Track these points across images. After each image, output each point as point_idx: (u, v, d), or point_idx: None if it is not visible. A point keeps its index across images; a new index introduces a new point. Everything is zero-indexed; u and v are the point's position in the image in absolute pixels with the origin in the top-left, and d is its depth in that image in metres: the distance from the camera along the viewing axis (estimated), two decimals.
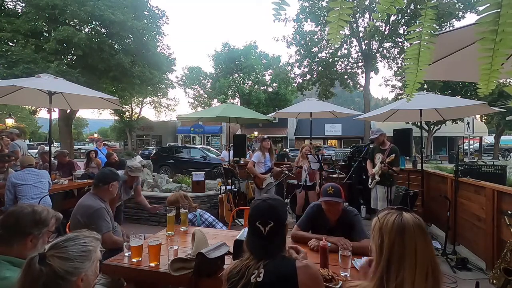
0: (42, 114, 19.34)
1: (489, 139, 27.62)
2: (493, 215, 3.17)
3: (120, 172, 3.21)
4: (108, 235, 2.28)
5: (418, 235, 0.92)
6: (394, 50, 19.38)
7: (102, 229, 2.24)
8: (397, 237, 0.92)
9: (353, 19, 18.04)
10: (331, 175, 5.25)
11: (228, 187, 5.31)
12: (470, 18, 21.06)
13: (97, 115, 34.17)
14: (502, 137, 24.89)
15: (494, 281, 2.53)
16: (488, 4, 0.80)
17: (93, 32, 14.43)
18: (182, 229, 2.41)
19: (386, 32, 18.38)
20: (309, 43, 19.97)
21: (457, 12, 15.70)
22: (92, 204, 2.32)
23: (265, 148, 4.91)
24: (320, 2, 18.65)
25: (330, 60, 20.34)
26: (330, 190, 2.15)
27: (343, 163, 6.24)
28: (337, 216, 2.19)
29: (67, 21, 13.30)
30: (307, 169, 4.75)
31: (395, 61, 19.39)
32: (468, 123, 12.40)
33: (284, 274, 1.13)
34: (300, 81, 21.99)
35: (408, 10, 16.75)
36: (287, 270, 1.15)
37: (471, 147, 19.69)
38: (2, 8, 13.10)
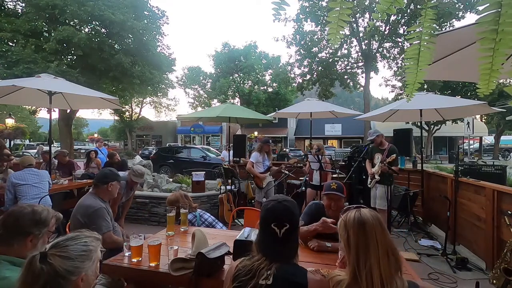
0: (42, 114, 19.32)
1: (489, 139, 27.62)
2: (493, 215, 3.17)
3: (122, 173, 3.22)
4: (108, 234, 2.28)
5: (376, 225, 1.08)
6: (394, 50, 19.36)
7: (102, 228, 2.24)
8: (359, 230, 1.08)
9: (353, 19, 18.03)
10: (331, 175, 5.26)
11: (228, 187, 5.31)
12: (470, 18, 21.07)
13: (97, 115, 34.14)
14: (502, 137, 24.88)
15: (494, 281, 2.53)
16: (488, 4, 0.80)
17: (93, 32, 14.43)
18: (182, 229, 2.41)
19: (386, 32, 18.37)
20: (309, 43, 19.95)
21: (457, 12, 15.69)
22: (92, 204, 2.32)
23: (264, 150, 4.95)
24: (320, 2, 18.64)
25: (330, 60, 20.32)
26: (333, 185, 2.19)
27: (343, 163, 6.24)
28: (337, 213, 2.20)
29: (67, 21, 13.29)
30: (314, 168, 4.78)
31: (395, 61, 19.37)
32: (468, 123, 12.40)
33: (295, 282, 1.09)
34: (300, 81, 21.96)
35: (408, 10, 16.73)
36: (298, 279, 1.10)
37: (471, 147, 19.69)
38: (2, 8, 13.10)
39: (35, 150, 15.55)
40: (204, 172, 5.69)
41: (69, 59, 14.38)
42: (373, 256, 1.03)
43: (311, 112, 6.66)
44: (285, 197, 1.26)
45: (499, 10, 0.78)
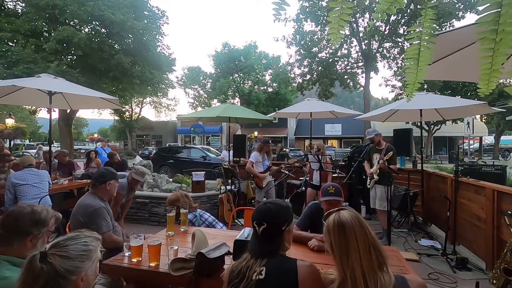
0: (42, 114, 19.32)
1: (489, 139, 27.62)
2: (493, 215, 3.17)
3: (122, 174, 3.22)
4: (108, 234, 2.28)
5: (355, 224, 1.13)
6: (394, 50, 19.36)
7: (102, 228, 2.24)
8: (340, 232, 1.12)
9: (353, 19, 18.02)
10: (331, 175, 5.26)
11: (228, 187, 5.31)
12: (470, 18, 21.06)
13: (97, 115, 34.15)
14: (502, 137, 24.88)
15: (494, 281, 2.53)
16: (488, 4, 0.80)
17: (93, 32, 14.42)
18: (182, 229, 2.41)
19: (386, 32, 18.37)
20: (309, 43, 19.94)
21: (457, 12, 15.68)
22: (92, 203, 2.31)
23: (264, 150, 4.95)
24: (320, 2, 18.63)
25: (330, 60, 20.31)
26: (331, 189, 2.16)
27: (343, 163, 6.24)
28: None
29: (67, 21, 13.29)
30: (314, 169, 4.79)
31: (395, 61, 19.37)
32: (468, 123, 12.39)
33: (285, 271, 1.16)
34: (300, 81, 21.95)
35: (408, 10, 16.72)
36: (288, 267, 1.18)
37: (471, 147, 19.68)
38: (2, 8, 13.10)
39: (35, 150, 15.55)
40: (204, 172, 5.69)
41: (69, 59, 14.36)
42: (354, 255, 1.07)
43: (311, 112, 6.66)
44: (275, 200, 1.35)
45: (499, 10, 0.78)
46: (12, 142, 15.55)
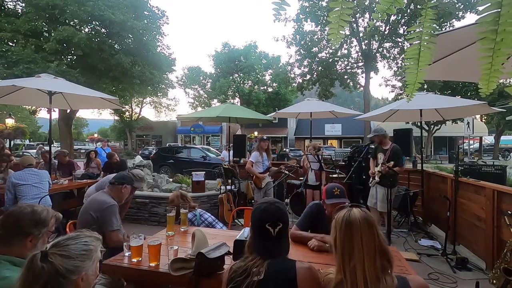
0: (42, 114, 19.31)
1: (489, 139, 27.62)
2: (493, 215, 3.17)
3: None
4: (116, 232, 2.31)
5: (364, 226, 1.09)
6: (394, 50, 19.38)
7: (113, 225, 2.28)
8: (346, 231, 1.10)
9: (353, 19, 18.04)
10: (331, 175, 5.26)
11: (228, 187, 5.31)
12: (470, 18, 21.07)
13: (97, 115, 34.16)
14: (502, 137, 24.87)
15: (494, 281, 2.54)
16: (489, 4, 0.80)
17: (93, 32, 14.43)
18: (182, 229, 2.41)
19: (386, 32, 18.38)
20: (309, 43, 19.96)
21: (457, 12, 15.70)
22: (107, 200, 2.38)
23: (262, 148, 4.91)
24: (320, 2, 18.65)
25: (330, 60, 20.33)
26: (336, 191, 2.13)
27: (343, 163, 6.24)
28: None
29: (67, 21, 13.29)
30: (314, 169, 4.78)
31: (395, 61, 19.39)
32: (468, 123, 12.38)
33: (284, 272, 1.17)
34: (300, 81, 21.98)
35: (408, 10, 16.74)
36: (287, 269, 1.18)
37: (471, 147, 19.67)
38: (2, 8, 13.10)
39: (35, 150, 15.55)
40: (204, 172, 5.68)
41: (69, 59, 14.37)
42: (358, 257, 1.05)
43: (311, 112, 6.66)
44: (276, 200, 1.36)
45: (500, 10, 0.78)
46: (12, 142, 15.56)
